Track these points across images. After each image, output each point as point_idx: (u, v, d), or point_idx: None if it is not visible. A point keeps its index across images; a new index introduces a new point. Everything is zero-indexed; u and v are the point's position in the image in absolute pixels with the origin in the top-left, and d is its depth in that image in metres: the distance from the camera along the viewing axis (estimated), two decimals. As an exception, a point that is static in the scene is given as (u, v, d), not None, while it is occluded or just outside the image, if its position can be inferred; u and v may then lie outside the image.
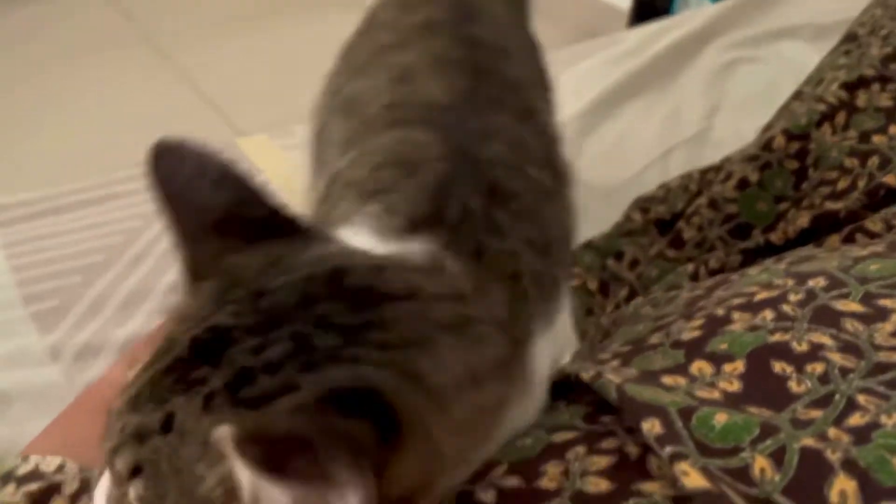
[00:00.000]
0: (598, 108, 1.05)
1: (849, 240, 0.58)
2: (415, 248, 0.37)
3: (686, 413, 0.32)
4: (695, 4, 2.21)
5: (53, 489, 0.40)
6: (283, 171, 0.94)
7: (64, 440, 0.46)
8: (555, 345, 0.42)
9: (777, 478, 0.29)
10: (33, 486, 0.40)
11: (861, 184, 0.61)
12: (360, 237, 0.38)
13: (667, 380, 0.36)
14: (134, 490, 0.29)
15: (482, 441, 0.35)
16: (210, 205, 0.34)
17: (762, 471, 0.30)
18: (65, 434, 0.47)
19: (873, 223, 0.57)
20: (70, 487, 0.40)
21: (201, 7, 2.75)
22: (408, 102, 0.46)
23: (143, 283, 0.78)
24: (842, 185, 0.62)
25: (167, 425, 0.28)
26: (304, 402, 0.27)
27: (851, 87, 0.69)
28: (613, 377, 0.36)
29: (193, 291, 0.32)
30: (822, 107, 0.69)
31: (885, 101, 0.67)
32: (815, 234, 0.61)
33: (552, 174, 0.47)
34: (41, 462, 0.42)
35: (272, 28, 2.63)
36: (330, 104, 0.54)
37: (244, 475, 0.24)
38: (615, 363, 0.40)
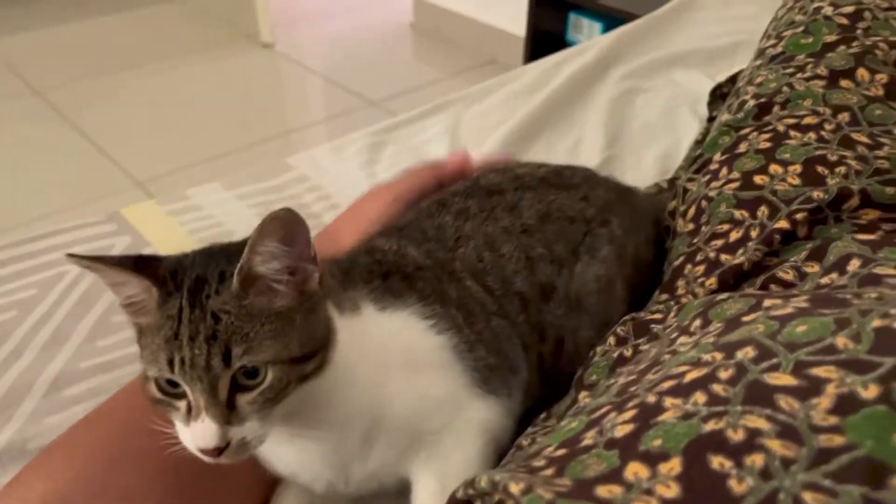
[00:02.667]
0: (504, 148, 1.03)
1: (763, 290, 0.57)
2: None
3: None
4: (586, 30, 2.25)
5: None
6: (172, 239, 0.88)
7: (69, 459, 0.52)
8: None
9: None
10: None
11: (754, 234, 0.60)
12: None
13: (601, 491, 0.33)
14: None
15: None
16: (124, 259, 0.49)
17: None
18: (69, 453, 0.53)
19: (785, 272, 0.56)
20: None
21: (88, 58, 2.64)
22: None
23: (20, 380, 0.71)
24: (734, 236, 0.62)
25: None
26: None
27: (732, 146, 0.69)
28: (544, 492, 0.32)
29: (161, 295, 0.48)
30: (708, 175, 0.69)
31: (763, 143, 0.67)
32: (719, 291, 0.60)
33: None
34: None
35: (162, 73, 2.55)
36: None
37: None
38: (549, 472, 0.37)
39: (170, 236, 0.88)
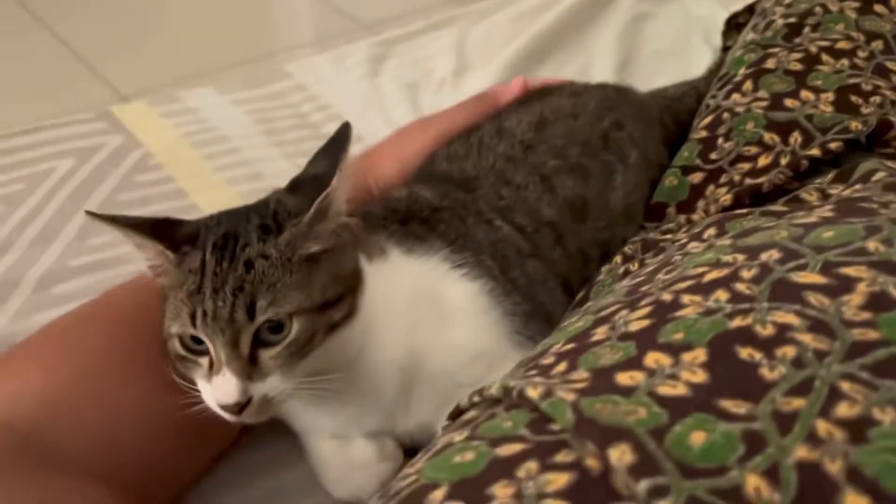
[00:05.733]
0: (511, 71, 0.99)
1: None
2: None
3: (657, 434, 0.28)
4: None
5: None
6: (166, 142, 0.84)
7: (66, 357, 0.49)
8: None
9: (777, 497, 0.25)
10: None
11: (784, 161, 0.58)
12: None
13: (622, 377, 0.32)
14: None
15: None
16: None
17: (757, 490, 0.26)
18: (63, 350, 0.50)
19: (808, 194, 0.54)
20: None
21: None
22: None
23: (8, 276, 0.68)
24: (762, 161, 0.59)
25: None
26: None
27: (758, 61, 0.67)
28: (565, 394, 0.31)
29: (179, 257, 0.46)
30: (730, 86, 0.67)
31: (794, 63, 0.65)
32: (734, 209, 0.58)
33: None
34: None
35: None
36: None
37: None
38: (562, 366, 0.35)
39: (163, 137, 0.85)
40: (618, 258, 0.59)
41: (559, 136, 0.62)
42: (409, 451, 0.54)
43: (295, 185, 0.49)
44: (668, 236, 0.58)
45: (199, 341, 0.45)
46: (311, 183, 0.47)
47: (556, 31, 1.08)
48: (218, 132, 0.87)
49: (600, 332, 0.37)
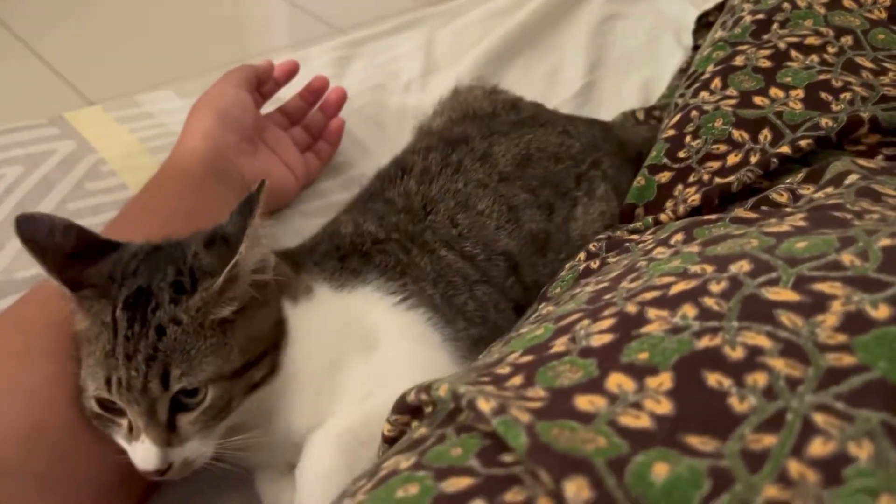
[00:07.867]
0: (481, 70, 0.97)
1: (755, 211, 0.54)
2: None
3: (617, 465, 0.26)
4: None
5: None
6: (121, 147, 0.81)
7: None
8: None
9: None
10: None
11: (754, 159, 0.57)
12: None
13: (581, 402, 0.30)
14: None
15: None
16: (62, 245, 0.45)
17: None
18: None
19: (779, 194, 0.53)
20: None
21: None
22: None
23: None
24: (732, 160, 0.58)
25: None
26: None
27: (727, 59, 0.66)
28: (520, 413, 0.29)
29: (80, 299, 0.45)
30: (698, 83, 0.66)
31: (762, 61, 0.63)
32: (703, 209, 0.57)
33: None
34: None
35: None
36: None
37: None
38: (517, 379, 0.33)
39: (118, 143, 0.82)
40: (581, 255, 0.57)
41: (536, 178, 0.61)
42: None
43: (212, 240, 0.46)
44: (635, 236, 0.56)
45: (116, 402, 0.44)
46: (222, 244, 0.45)
47: (526, 32, 1.06)
48: (176, 137, 0.84)
49: (560, 344, 0.35)
